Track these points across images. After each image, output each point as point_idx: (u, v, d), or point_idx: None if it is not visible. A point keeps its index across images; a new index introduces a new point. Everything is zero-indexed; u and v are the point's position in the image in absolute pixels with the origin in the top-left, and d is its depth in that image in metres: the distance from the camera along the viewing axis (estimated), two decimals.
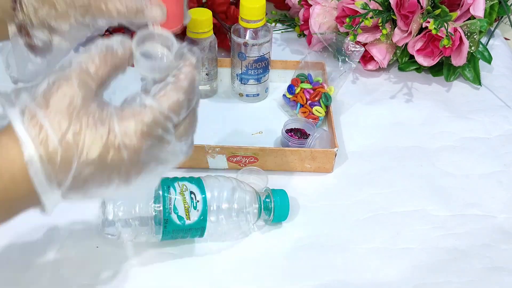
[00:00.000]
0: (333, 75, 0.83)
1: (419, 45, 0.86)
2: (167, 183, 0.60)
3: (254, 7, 0.76)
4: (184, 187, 0.60)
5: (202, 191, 0.60)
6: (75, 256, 0.61)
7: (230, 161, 0.72)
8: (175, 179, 0.61)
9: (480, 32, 0.86)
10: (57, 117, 0.41)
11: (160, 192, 0.59)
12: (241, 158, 0.71)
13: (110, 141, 0.42)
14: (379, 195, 0.71)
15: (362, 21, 0.82)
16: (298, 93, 0.80)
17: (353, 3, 0.84)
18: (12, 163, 0.41)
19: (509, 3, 0.94)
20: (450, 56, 0.86)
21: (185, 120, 0.45)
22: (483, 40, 0.96)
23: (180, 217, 0.59)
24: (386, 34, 0.84)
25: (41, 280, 0.59)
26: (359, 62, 0.89)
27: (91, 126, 0.41)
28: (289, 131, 0.77)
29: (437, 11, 0.84)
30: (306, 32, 0.96)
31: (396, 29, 0.86)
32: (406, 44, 0.88)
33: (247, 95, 0.84)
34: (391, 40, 0.88)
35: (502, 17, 0.99)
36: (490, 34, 0.99)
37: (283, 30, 1.02)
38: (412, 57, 0.89)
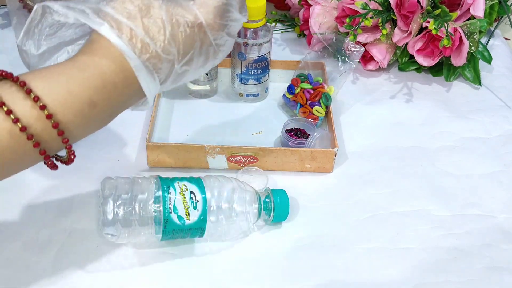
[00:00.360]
0: (333, 75, 0.83)
1: (419, 45, 0.86)
2: (167, 183, 0.60)
3: (254, 7, 0.76)
4: (184, 187, 0.60)
5: (202, 191, 0.60)
6: (75, 256, 0.61)
7: (230, 161, 0.72)
8: (175, 179, 0.61)
9: (480, 32, 0.86)
10: (149, 20, 0.47)
11: (160, 192, 0.59)
12: (241, 158, 0.72)
13: (200, 29, 0.49)
14: (379, 195, 0.71)
15: (362, 21, 0.82)
16: (298, 93, 0.80)
17: (353, 3, 0.84)
18: (115, 74, 0.47)
19: (509, 3, 0.94)
20: (450, 56, 0.86)
21: None
22: (483, 40, 0.96)
23: (180, 217, 0.59)
24: (386, 34, 0.84)
25: (41, 280, 0.59)
26: (359, 62, 0.89)
27: (180, 25, 0.48)
28: (289, 131, 0.77)
29: (437, 11, 0.84)
30: (306, 32, 0.96)
31: (396, 29, 0.86)
32: (406, 44, 0.88)
33: (247, 95, 0.84)
34: (391, 40, 0.88)
35: (502, 17, 0.99)
36: (490, 34, 0.99)
37: (283, 30, 1.02)
38: (412, 57, 0.89)
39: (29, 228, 0.64)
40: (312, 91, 0.80)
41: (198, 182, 0.61)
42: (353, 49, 0.82)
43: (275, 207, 0.64)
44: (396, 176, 0.74)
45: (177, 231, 0.59)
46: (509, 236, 0.66)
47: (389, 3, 0.84)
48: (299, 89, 0.80)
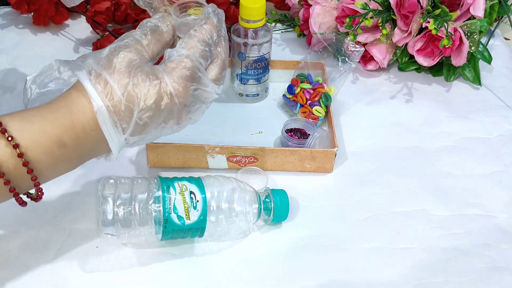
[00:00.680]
0: (333, 75, 0.83)
1: (419, 45, 0.86)
2: (166, 183, 0.60)
3: (254, 7, 0.76)
4: (184, 187, 0.60)
5: (202, 191, 0.60)
6: (75, 256, 0.61)
7: (230, 161, 0.72)
8: (175, 179, 0.61)
9: (480, 32, 0.86)
10: (119, 75, 0.50)
11: (160, 192, 0.59)
12: (241, 158, 0.71)
13: (163, 89, 0.51)
14: (379, 195, 0.71)
15: (362, 21, 0.82)
16: (298, 93, 0.80)
17: (353, 3, 0.84)
18: (83, 114, 0.50)
19: (509, 3, 0.94)
20: (450, 56, 0.86)
21: (216, 66, 0.55)
22: (483, 40, 0.96)
23: (180, 217, 0.59)
24: (386, 34, 0.84)
25: (41, 280, 0.59)
26: (359, 62, 0.89)
27: (146, 80, 0.50)
28: (289, 131, 0.77)
29: (437, 11, 0.84)
30: (306, 32, 0.96)
31: (396, 29, 0.86)
32: (406, 44, 0.88)
33: (247, 95, 0.84)
34: (391, 40, 0.88)
35: (502, 17, 0.99)
36: (490, 34, 0.99)
37: (283, 30, 1.02)
38: (412, 57, 0.89)
39: (29, 228, 0.64)
40: (312, 91, 0.80)
41: (198, 182, 0.61)
42: (353, 49, 0.82)
43: (275, 207, 0.64)
44: (396, 176, 0.74)
45: (177, 231, 0.59)
46: (509, 236, 0.66)
47: (389, 3, 0.84)
48: (299, 89, 0.80)
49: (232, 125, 0.80)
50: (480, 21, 0.84)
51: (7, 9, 1.03)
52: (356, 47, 0.82)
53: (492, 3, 0.90)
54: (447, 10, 0.84)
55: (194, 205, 0.59)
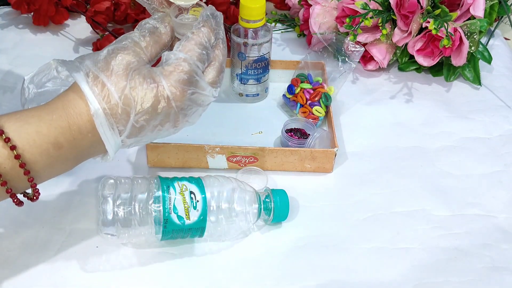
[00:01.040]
0: (333, 75, 0.83)
1: (419, 45, 0.86)
2: (166, 183, 0.60)
3: (254, 7, 0.76)
4: (184, 187, 0.60)
5: (202, 191, 0.60)
6: (75, 256, 0.61)
7: (230, 161, 0.72)
8: (175, 179, 0.61)
9: (480, 32, 0.86)
10: (116, 77, 0.50)
11: (160, 192, 0.59)
12: (241, 158, 0.71)
13: (160, 92, 0.50)
14: (379, 195, 0.71)
15: (362, 21, 0.82)
16: (298, 93, 0.80)
17: (353, 3, 0.84)
18: (79, 116, 0.50)
19: (509, 3, 0.94)
20: (450, 56, 0.86)
21: (214, 69, 0.54)
22: (483, 40, 0.96)
23: (180, 217, 0.59)
24: (386, 34, 0.84)
25: (41, 280, 0.59)
26: (359, 62, 0.89)
27: (143, 83, 0.50)
28: (289, 131, 0.77)
29: (437, 11, 0.84)
30: (306, 32, 0.96)
31: (396, 29, 0.86)
32: (406, 44, 0.88)
33: (247, 95, 0.84)
34: (391, 40, 0.88)
35: (502, 17, 0.99)
36: (490, 34, 0.99)
37: (283, 30, 1.02)
38: (412, 57, 0.89)
39: (29, 228, 0.64)
40: (312, 91, 0.80)
41: (198, 182, 0.61)
42: (353, 49, 0.82)
43: (275, 207, 0.64)
44: (396, 176, 0.74)
45: (177, 231, 0.59)
46: (509, 236, 0.66)
47: (389, 3, 0.84)
48: (299, 89, 0.80)
49: (232, 125, 0.80)
50: (480, 21, 0.84)
51: (7, 9, 1.03)
52: (356, 47, 0.82)
53: (492, 3, 0.90)
54: (447, 10, 0.84)
55: (194, 205, 0.59)
